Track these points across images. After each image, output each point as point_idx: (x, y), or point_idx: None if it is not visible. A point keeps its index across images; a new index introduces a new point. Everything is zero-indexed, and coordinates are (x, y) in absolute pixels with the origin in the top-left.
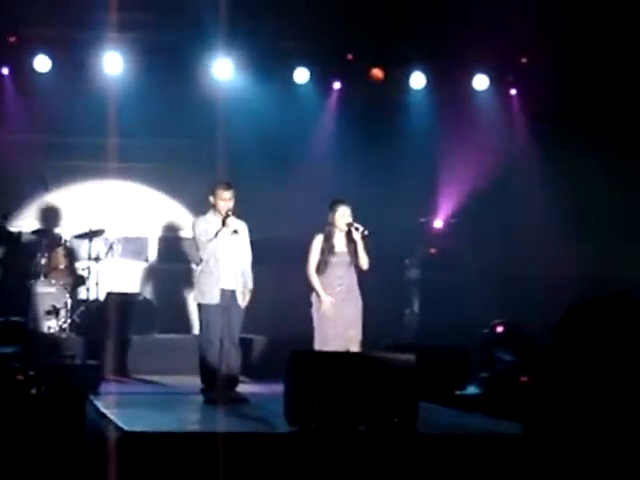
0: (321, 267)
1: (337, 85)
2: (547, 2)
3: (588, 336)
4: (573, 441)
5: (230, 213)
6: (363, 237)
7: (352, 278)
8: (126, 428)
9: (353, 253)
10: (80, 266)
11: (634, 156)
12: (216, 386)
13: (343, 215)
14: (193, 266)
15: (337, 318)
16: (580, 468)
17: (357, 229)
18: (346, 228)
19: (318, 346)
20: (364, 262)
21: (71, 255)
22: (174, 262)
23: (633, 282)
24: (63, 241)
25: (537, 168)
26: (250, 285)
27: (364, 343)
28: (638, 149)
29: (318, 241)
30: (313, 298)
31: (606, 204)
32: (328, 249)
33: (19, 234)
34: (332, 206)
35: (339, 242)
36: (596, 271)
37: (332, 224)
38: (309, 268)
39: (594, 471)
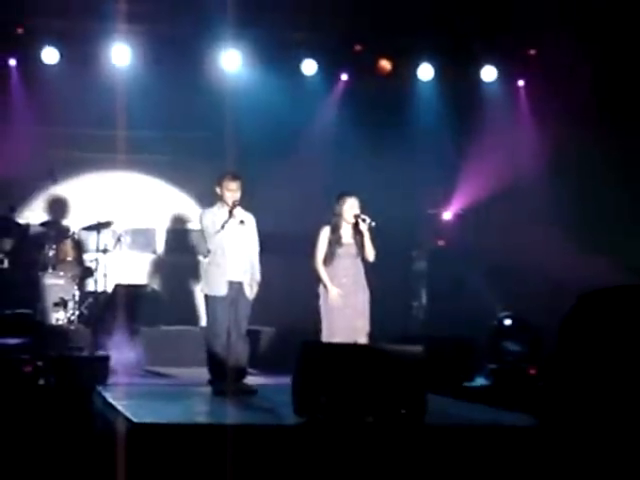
0: (328, 259)
1: (345, 77)
2: None
3: (599, 325)
4: (587, 430)
5: (237, 203)
6: (370, 228)
7: (359, 269)
8: (135, 420)
9: (360, 245)
10: (88, 258)
11: (636, 146)
12: (224, 378)
13: (351, 207)
14: (201, 258)
15: (344, 309)
16: (594, 456)
17: (364, 220)
18: (353, 220)
19: (326, 337)
20: (371, 254)
21: (79, 247)
22: (182, 254)
23: (633, 273)
24: (71, 233)
25: (542, 161)
26: (258, 277)
27: (372, 334)
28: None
29: (325, 233)
30: (320, 289)
31: (607, 196)
32: (335, 241)
33: (27, 226)
34: (340, 198)
35: (346, 234)
36: (596, 261)
37: (339, 216)
38: (316, 260)
39: (607, 459)
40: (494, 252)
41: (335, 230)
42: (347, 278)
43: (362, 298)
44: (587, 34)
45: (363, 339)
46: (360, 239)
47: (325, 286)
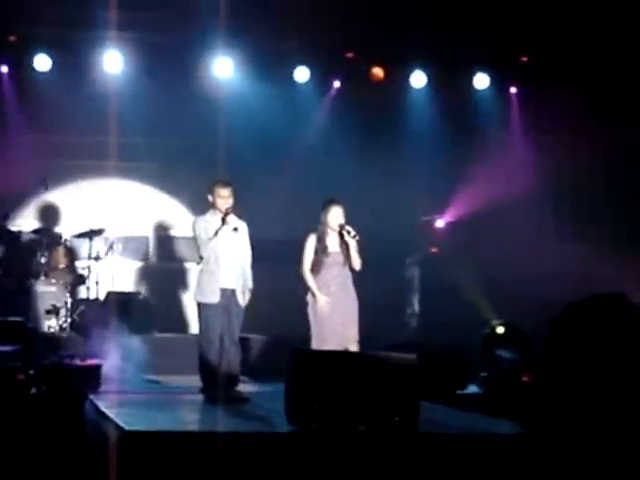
0: (316, 267)
1: (337, 84)
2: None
3: (585, 334)
4: (573, 437)
5: (230, 211)
6: (354, 239)
7: (347, 277)
8: (126, 427)
9: (346, 254)
10: (80, 265)
11: (630, 153)
12: (216, 385)
13: (336, 216)
14: (193, 265)
15: (333, 317)
16: (580, 464)
17: (348, 232)
18: (338, 229)
19: (315, 345)
20: (356, 264)
21: (71, 254)
22: (174, 261)
23: (626, 280)
24: (63, 240)
25: (535, 168)
26: (250, 284)
27: (363, 342)
28: (634, 146)
29: (311, 241)
30: (309, 297)
31: (603, 203)
32: (322, 250)
33: (19, 233)
34: (325, 206)
35: (332, 242)
36: (590, 270)
37: (325, 224)
38: (304, 268)
39: (594, 467)
40: (487, 260)
41: (321, 239)
42: (335, 286)
43: (351, 305)
44: (579, 40)
45: (353, 347)
46: (346, 248)
47: (313, 294)
